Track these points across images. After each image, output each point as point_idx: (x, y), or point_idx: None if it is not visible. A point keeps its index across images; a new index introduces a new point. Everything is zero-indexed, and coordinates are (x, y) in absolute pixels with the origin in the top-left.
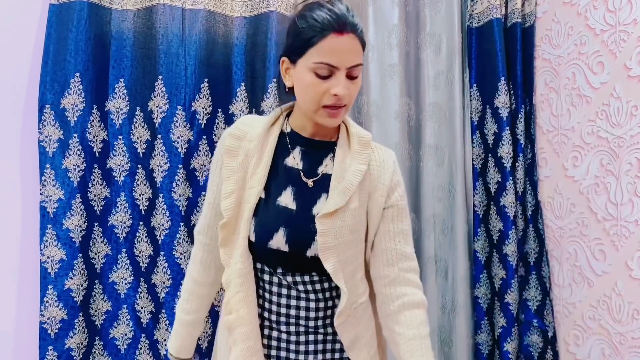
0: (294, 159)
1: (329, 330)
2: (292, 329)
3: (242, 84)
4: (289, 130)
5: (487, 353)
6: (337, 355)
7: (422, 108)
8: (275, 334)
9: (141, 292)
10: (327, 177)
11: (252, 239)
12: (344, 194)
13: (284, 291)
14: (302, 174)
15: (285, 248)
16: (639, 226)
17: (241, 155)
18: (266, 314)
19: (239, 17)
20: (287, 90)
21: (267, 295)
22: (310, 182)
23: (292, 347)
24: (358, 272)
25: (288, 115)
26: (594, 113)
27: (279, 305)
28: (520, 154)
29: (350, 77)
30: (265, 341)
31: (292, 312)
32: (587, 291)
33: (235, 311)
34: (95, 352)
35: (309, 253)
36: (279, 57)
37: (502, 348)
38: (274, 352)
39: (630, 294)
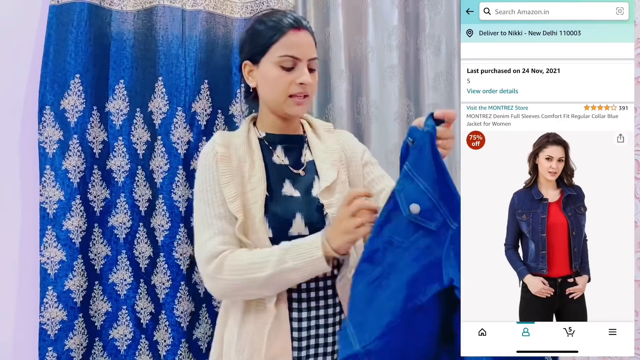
0: (279, 157)
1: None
2: (322, 331)
3: (242, 85)
4: (263, 135)
5: None
6: None
7: (421, 109)
8: (304, 343)
9: (141, 293)
10: (311, 163)
11: (271, 234)
12: (332, 169)
13: (304, 295)
14: (290, 168)
15: (306, 232)
16: (638, 227)
17: (234, 161)
18: (295, 324)
19: (238, 18)
20: (251, 91)
21: (295, 296)
22: (301, 172)
23: (321, 350)
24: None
25: (254, 124)
26: None
27: (309, 309)
28: None
29: (310, 69)
30: (298, 349)
31: (321, 312)
32: None
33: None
34: (95, 353)
35: None
36: (240, 63)
37: None
38: (303, 354)
39: None
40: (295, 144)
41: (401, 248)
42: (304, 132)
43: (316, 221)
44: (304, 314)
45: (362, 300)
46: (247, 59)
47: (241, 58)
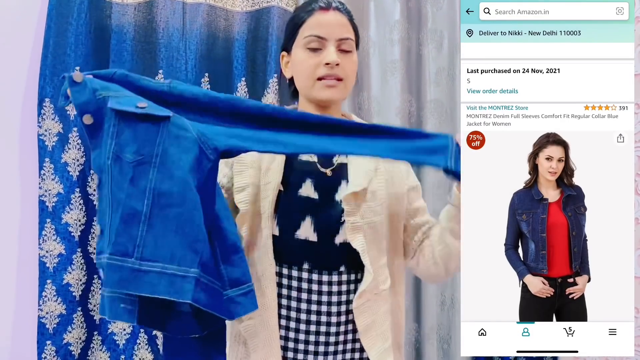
0: None
1: (349, 337)
2: (312, 338)
3: (243, 78)
4: None
5: None
6: None
7: (423, 104)
8: (291, 345)
9: None
10: (343, 166)
11: (276, 232)
12: (365, 176)
13: (304, 296)
14: (318, 165)
15: (314, 237)
16: (639, 224)
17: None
18: (284, 322)
19: (240, 11)
20: (287, 82)
21: (284, 301)
22: (329, 172)
23: (310, 357)
24: (382, 257)
25: None
26: None
27: (298, 310)
28: None
29: (342, 50)
30: (284, 348)
31: (313, 317)
32: None
33: (257, 316)
34: (93, 347)
35: (338, 240)
36: (277, 59)
37: None
38: (290, 355)
39: None
40: None
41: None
42: None
43: (328, 228)
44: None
45: (157, 233)
46: (283, 50)
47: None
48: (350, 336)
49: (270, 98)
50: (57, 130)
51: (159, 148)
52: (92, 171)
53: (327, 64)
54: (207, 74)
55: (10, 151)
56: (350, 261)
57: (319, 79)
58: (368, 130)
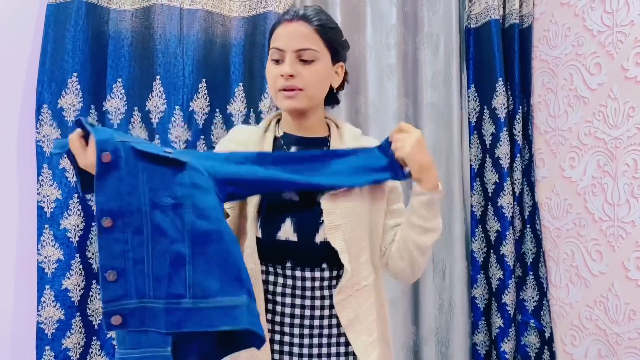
0: None
1: (334, 331)
2: (297, 331)
3: (240, 84)
4: (281, 133)
5: (484, 353)
6: (342, 359)
7: (419, 108)
8: (278, 337)
9: None
10: None
11: (259, 235)
12: None
13: (289, 290)
14: None
15: (294, 237)
16: (635, 227)
17: None
18: (270, 316)
19: (237, 17)
20: None
21: (270, 297)
22: None
23: (296, 350)
24: (363, 254)
25: (278, 122)
26: (591, 114)
27: (283, 305)
28: (518, 155)
29: (303, 61)
30: (272, 341)
31: (297, 311)
32: (584, 291)
33: None
34: (92, 352)
35: (318, 238)
36: None
37: (499, 348)
38: (277, 357)
39: (626, 294)
40: (312, 146)
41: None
42: (330, 135)
43: (308, 228)
44: None
45: (205, 270)
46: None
47: None
48: (335, 330)
49: (267, 103)
50: (55, 136)
51: (189, 190)
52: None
53: (282, 75)
54: (204, 80)
55: (9, 157)
56: (331, 258)
57: (281, 90)
58: (325, 156)
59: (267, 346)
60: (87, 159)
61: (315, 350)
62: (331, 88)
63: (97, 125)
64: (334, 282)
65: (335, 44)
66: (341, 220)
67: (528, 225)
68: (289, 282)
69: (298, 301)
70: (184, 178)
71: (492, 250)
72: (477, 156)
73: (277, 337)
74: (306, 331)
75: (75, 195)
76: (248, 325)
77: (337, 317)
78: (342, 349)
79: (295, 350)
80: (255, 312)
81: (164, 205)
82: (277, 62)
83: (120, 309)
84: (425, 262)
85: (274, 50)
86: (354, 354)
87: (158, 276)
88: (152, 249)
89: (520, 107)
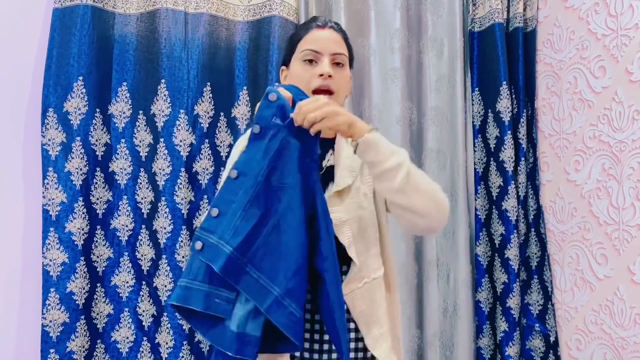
0: None
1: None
2: (307, 325)
3: (245, 87)
4: None
5: (488, 357)
6: (359, 355)
7: (423, 112)
8: None
9: (143, 296)
10: (331, 168)
11: None
12: (349, 176)
13: None
14: None
15: None
16: None
17: None
18: None
19: (241, 21)
20: None
21: None
22: None
23: (307, 345)
24: (372, 248)
25: None
26: (595, 117)
27: None
28: (522, 158)
29: (336, 64)
30: None
31: (307, 305)
32: (589, 295)
33: None
34: (97, 355)
35: None
36: (279, 69)
37: (503, 352)
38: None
39: (632, 298)
40: (322, 147)
41: (291, 188)
42: (336, 135)
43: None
44: None
45: (267, 250)
46: (283, 64)
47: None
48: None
49: None
50: (60, 139)
51: (297, 180)
52: (95, 180)
53: (321, 75)
54: (209, 84)
55: (14, 160)
56: (340, 253)
57: (314, 91)
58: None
59: None
60: None
61: (326, 347)
62: None
63: (277, 102)
64: (344, 276)
65: (352, 53)
66: (347, 215)
67: (533, 229)
68: None
69: (309, 296)
70: (298, 170)
71: (496, 254)
72: (482, 160)
73: None
74: (317, 327)
75: (80, 199)
76: (265, 311)
77: (347, 311)
78: (352, 344)
79: (307, 345)
80: (284, 308)
81: (272, 184)
82: (310, 62)
83: (206, 238)
84: (426, 196)
85: (308, 52)
86: (364, 346)
87: (238, 230)
88: (247, 210)
89: (525, 110)
